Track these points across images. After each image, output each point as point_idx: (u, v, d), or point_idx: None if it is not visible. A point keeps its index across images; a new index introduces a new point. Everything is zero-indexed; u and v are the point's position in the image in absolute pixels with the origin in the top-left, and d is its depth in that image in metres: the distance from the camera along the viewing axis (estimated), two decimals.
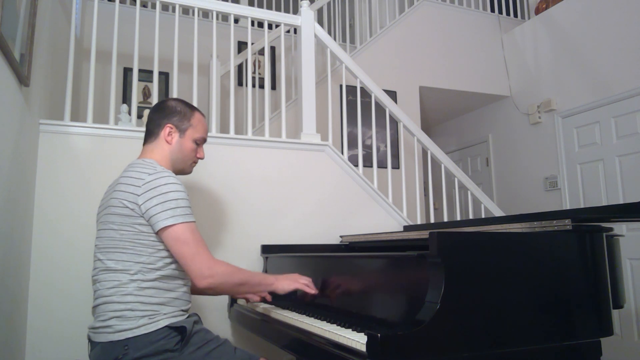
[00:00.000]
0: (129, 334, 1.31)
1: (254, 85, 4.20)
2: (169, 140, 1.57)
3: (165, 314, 1.38)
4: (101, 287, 1.38)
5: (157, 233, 1.38)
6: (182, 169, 1.62)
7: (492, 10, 4.79)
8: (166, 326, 1.35)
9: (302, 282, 1.61)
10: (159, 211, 1.35)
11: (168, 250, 1.41)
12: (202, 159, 1.67)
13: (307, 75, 2.76)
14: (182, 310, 1.45)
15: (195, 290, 1.55)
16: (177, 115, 1.59)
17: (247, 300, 1.95)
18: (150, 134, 1.59)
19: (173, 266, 1.43)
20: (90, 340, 1.40)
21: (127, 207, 1.37)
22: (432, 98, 4.59)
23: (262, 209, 2.47)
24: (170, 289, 1.41)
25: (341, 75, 3.09)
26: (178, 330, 1.37)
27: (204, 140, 1.66)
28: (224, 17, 4.28)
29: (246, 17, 2.69)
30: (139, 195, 1.37)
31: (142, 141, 2.20)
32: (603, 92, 3.68)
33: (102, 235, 1.43)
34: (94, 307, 1.41)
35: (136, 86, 2.36)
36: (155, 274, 1.38)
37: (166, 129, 1.57)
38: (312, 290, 1.62)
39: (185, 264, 1.38)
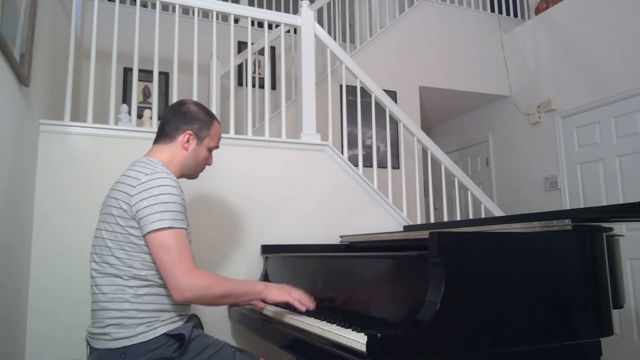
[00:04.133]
0: (127, 342, 1.30)
1: (254, 85, 4.20)
2: (186, 147, 1.53)
3: (163, 320, 1.35)
4: (98, 291, 1.36)
5: (143, 237, 1.33)
6: (191, 174, 1.59)
7: (492, 10, 4.79)
8: (164, 334, 1.33)
9: (293, 296, 1.50)
10: (147, 214, 1.31)
11: None
12: (210, 165, 1.65)
13: (307, 75, 2.76)
14: (181, 315, 1.42)
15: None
16: (199, 122, 1.55)
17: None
18: (165, 135, 1.54)
19: None
20: (89, 344, 1.39)
21: (122, 207, 1.34)
22: (432, 98, 4.59)
23: (262, 209, 2.47)
24: (167, 294, 1.37)
25: (341, 75, 3.09)
26: (176, 337, 1.34)
27: (217, 147, 1.65)
28: (224, 17, 4.28)
29: (246, 17, 2.69)
30: (132, 196, 1.33)
31: (142, 141, 2.24)
32: (603, 92, 3.68)
33: (98, 236, 1.40)
34: (92, 311, 1.39)
35: (136, 86, 2.36)
36: (150, 280, 1.35)
37: (185, 135, 1.52)
38: (302, 307, 1.49)
39: (164, 274, 1.31)
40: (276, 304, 1.65)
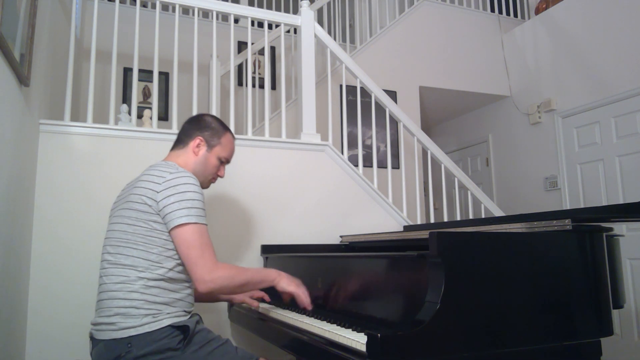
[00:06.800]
0: (133, 332, 1.32)
1: (254, 85, 4.20)
2: (196, 152, 1.62)
3: (168, 313, 1.39)
4: (108, 281, 1.40)
5: (169, 232, 1.40)
6: (200, 182, 1.61)
7: (492, 10, 4.79)
8: (169, 325, 1.37)
9: (301, 290, 1.60)
10: (174, 209, 1.38)
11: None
12: (221, 177, 1.72)
13: (307, 75, 2.76)
14: (185, 312, 1.46)
15: (197, 297, 1.59)
16: (210, 130, 1.65)
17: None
18: (179, 142, 1.64)
19: (180, 268, 1.44)
20: (92, 338, 1.41)
21: (146, 203, 1.40)
22: (432, 98, 4.59)
23: (262, 209, 2.47)
24: (175, 289, 1.43)
25: (341, 75, 3.09)
26: (181, 329, 1.38)
27: (228, 161, 1.71)
28: (224, 17, 4.28)
29: (246, 17, 2.69)
30: (158, 192, 1.40)
31: (142, 141, 2.25)
32: (603, 92, 3.68)
33: (114, 229, 1.45)
34: (98, 301, 1.43)
35: (136, 86, 2.36)
36: (162, 273, 1.40)
37: (196, 140, 1.62)
38: (304, 302, 1.59)
39: (189, 267, 1.40)
40: (282, 293, 1.67)
